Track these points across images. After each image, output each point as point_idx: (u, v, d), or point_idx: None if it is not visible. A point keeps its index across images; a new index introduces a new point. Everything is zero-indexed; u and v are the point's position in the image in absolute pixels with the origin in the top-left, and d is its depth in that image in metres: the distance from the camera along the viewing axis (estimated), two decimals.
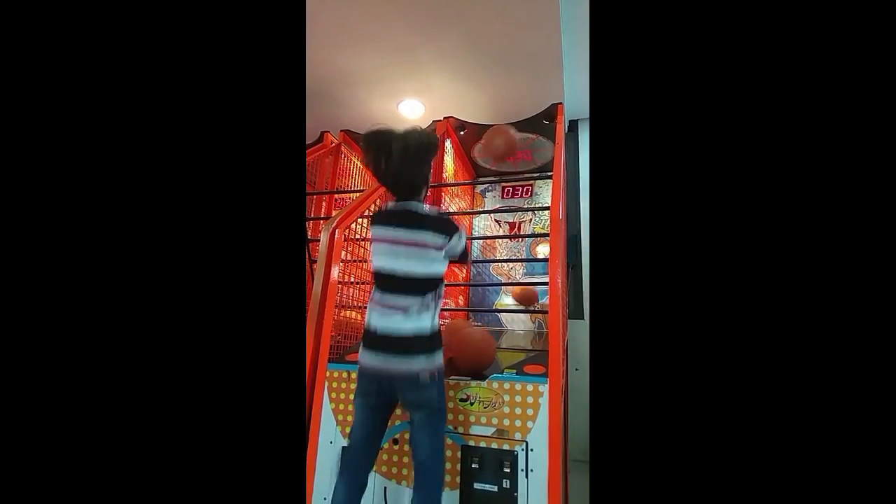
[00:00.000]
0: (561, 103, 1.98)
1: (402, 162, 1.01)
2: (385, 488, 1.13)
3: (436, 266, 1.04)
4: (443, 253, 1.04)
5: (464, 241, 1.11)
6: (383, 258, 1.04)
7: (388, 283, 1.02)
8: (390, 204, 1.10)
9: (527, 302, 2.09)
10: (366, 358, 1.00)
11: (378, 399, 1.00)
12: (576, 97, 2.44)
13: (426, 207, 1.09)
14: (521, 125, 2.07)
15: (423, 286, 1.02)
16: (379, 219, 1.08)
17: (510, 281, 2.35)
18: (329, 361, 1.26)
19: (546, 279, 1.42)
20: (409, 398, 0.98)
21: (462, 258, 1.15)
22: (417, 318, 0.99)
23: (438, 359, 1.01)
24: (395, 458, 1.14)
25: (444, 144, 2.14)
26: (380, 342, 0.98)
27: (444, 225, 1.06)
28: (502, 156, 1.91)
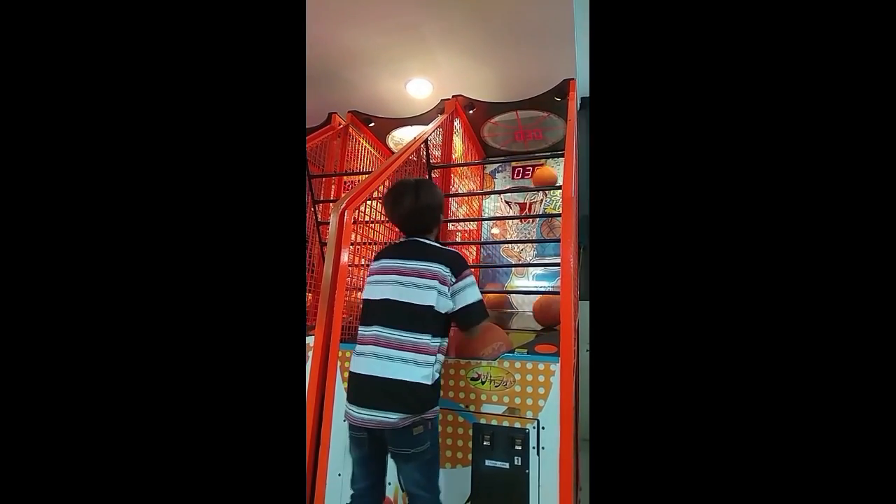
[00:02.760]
0: (573, 79, 1.92)
1: (415, 205, 1.05)
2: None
3: (440, 301, 0.96)
4: (448, 290, 0.97)
5: (475, 292, 1.01)
6: (384, 288, 0.98)
7: (384, 315, 0.95)
8: (398, 240, 1.11)
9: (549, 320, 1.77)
10: (353, 413, 0.91)
11: (371, 448, 0.95)
12: (588, 73, 2.37)
13: (435, 242, 1.08)
14: (532, 103, 2.02)
15: (424, 322, 0.94)
16: (384, 252, 1.07)
17: (521, 262, 2.33)
18: (341, 342, 1.27)
19: (557, 260, 1.41)
20: (399, 452, 0.93)
21: (471, 317, 1.00)
22: (417, 368, 0.90)
23: (435, 409, 0.94)
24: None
25: (452, 124, 2.10)
26: (370, 392, 0.90)
27: (453, 259, 1.01)
28: None
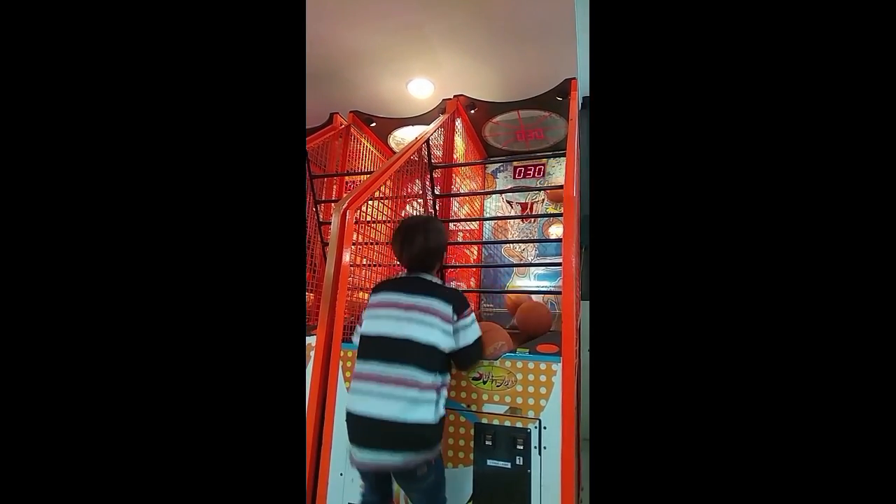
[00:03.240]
0: (574, 78, 1.92)
1: (423, 246, 1.06)
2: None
3: (442, 338, 0.95)
4: (451, 327, 0.97)
5: (476, 331, 1.02)
6: (384, 322, 0.97)
7: (385, 350, 0.93)
8: (399, 274, 1.12)
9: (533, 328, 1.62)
10: (357, 456, 0.89)
11: (375, 477, 0.95)
12: (590, 72, 2.36)
13: (436, 279, 1.08)
14: (533, 102, 2.02)
15: (427, 358, 0.92)
16: (384, 286, 1.07)
17: (522, 262, 2.33)
18: (343, 341, 1.28)
19: (559, 260, 1.41)
20: (405, 486, 0.94)
21: (470, 357, 1.01)
22: (420, 407, 0.88)
23: (438, 448, 0.93)
24: None
25: (454, 124, 2.10)
26: (372, 433, 0.87)
27: (454, 296, 1.01)
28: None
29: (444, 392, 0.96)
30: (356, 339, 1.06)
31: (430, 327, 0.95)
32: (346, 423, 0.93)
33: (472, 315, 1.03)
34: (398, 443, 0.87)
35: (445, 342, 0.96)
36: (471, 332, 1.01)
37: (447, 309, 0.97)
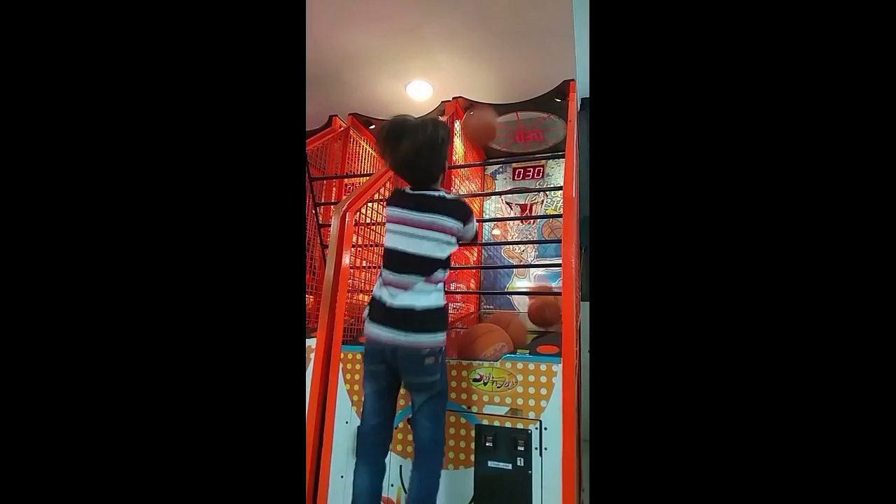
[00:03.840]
0: (573, 80, 1.93)
1: (419, 153, 1.02)
2: (401, 466, 1.16)
3: (449, 249, 1.06)
4: (456, 238, 1.07)
5: (475, 224, 1.13)
6: (399, 239, 1.05)
7: (402, 263, 1.03)
8: (408, 188, 1.10)
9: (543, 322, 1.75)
10: (373, 330, 1.01)
11: (385, 381, 1.02)
12: (588, 74, 2.37)
13: (443, 192, 1.10)
14: (532, 104, 2.02)
15: (436, 267, 1.04)
16: (396, 200, 1.09)
17: (522, 263, 2.33)
18: (343, 344, 1.28)
19: (558, 261, 1.41)
20: (412, 381, 1.00)
21: (472, 241, 1.19)
22: (428, 295, 1.01)
23: (442, 338, 1.02)
24: (410, 438, 1.16)
25: (453, 126, 2.11)
26: (389, 316, 1.00)
27: (462, 210, 1.08)
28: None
29: (442, 284, 1.07)
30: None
31: (441, 244, 1.04)
32: (371, 308, 1.04)
33: (474, 219, 1.11)
34: (411, 323, 0.98)
35: (453, 249, 1.08)
36: (472, 229, 1.12)
37: (456, 224, 1.06)
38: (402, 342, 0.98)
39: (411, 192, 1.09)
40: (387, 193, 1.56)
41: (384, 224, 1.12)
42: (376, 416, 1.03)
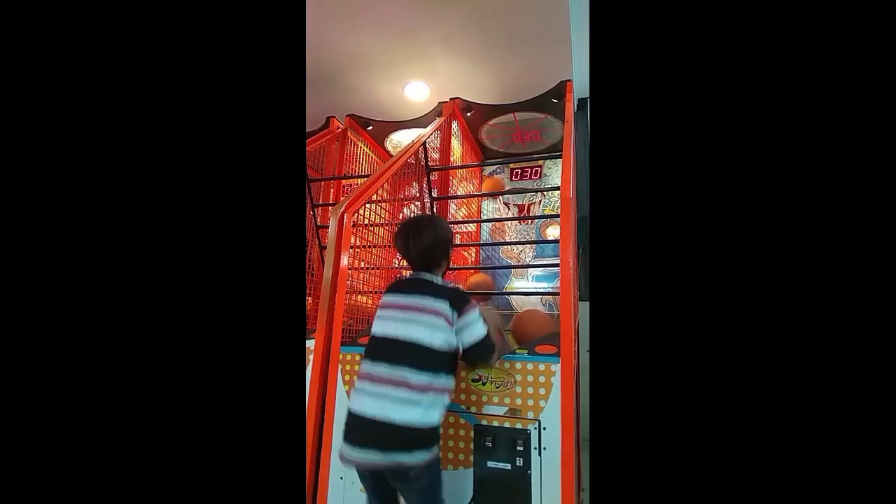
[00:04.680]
0: (569, 80, 1.93)
1: (426, 242, 1.06)
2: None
3: (442, 338, 0.94)
4: (452, 327, 0.96)
5: (481, 327, 0.99)
6: (385, 324, 0.98)
7: (387, 351, 0.93)
8: (407, 274, 1.12)
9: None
10: (346, 451, 0.88)
11: (374, 483, 0.94)
12: (585, 74, 2.38)
13: (440, 279, 1.08)
14: (529, 104, 2.03)
15: (427, 360, 0.92)
16: (391, 287, 1.08)
17: (520, 264, 2.34)
18: (342, 345, 1.28)
19: (557, 261, 1.41)
20: (400, 487, 0.92)
21: (480, 354, 0.99)
22: (417, 405, 0.88)
23: (435, 453, 0.90)
24: None
25: (450, 126, 2.11)
26: (365, 433, 0.87)
27: (457, 297, 0.99)
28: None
29: (444, 396, 0.94)
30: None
31: (430, 328, 0.94)
32: (345, 421, 0.93)
33: (475, 311, 1.00)
34: (386, 442, 0.86)
35: (446, 342, 0.95)
36: (476, 328, 0.98)
37: (446, 308, 0.96)
38: (376, 463, 0.86)
39: (410, 277, 1.09)
40: (385, 194, 1.57)
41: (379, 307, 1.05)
42: (376, 500, 0.97)
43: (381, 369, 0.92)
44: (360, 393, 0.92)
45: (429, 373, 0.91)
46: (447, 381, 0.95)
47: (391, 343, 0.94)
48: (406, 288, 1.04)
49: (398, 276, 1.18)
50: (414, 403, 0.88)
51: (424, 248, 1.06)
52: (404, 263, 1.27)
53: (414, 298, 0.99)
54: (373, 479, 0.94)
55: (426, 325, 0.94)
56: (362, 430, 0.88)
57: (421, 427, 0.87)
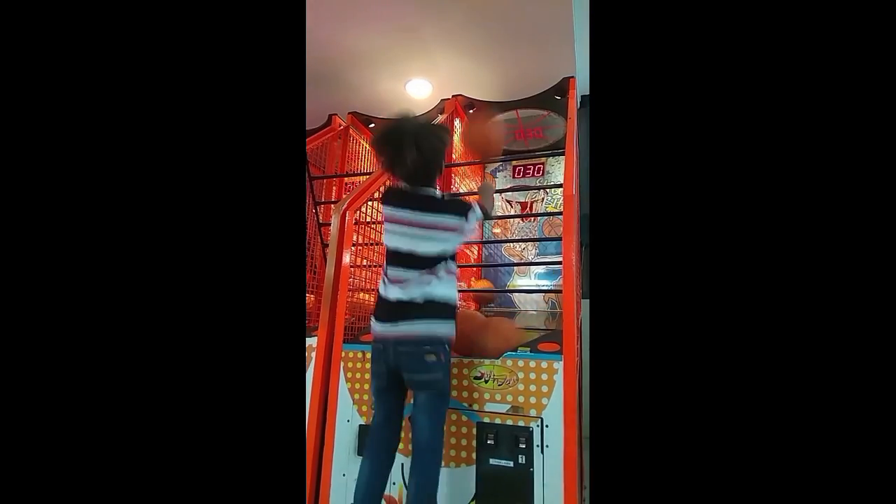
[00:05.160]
0: (572, 77, 1.92)
1: (420, 155, 1.01)
2: (402, 465, 1.16)
3: (451, 244, 1.07)
4: (458, 233, 1.07)
5: (478, 210, 1.11)
6: (402, 239, 1.05)
7: (405, 261, 1.04)
8: (403, 185, 1.09)
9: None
10: (375, 327, 1.03)
11: (389, 380, 1.02)
12: (588, 71, 2.37)
13: (439, 192, 1.12)
14: (532, 101, 2.02)
15: (438, 261, 1.04)
16: (394, 199, 1.09)
17: (523, 261, 2.33)
18: (344, 342, 1.28)
19: (559, 258, 1.41)
20: (413, 378, 1.00)
21: (486, 216, 1.15)
22: (430, 286, 1.02)
23: (444, 331, 1.02)
24: (410, 436, 1.16)
25: (453, 124, 2.10)
26: (390, 310, 1.01)
27: (459, 206, 1.09)
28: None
29: (454, 273, 1.08)
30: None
31: (446, 241, 1.05)
32: (375, 306, 1.06)
33: (473, 206, 1.09)
34: (417, 313, 0.99)
35: (456, 244, 1.08)
36: (472, 221, 1.08)
37: (455, 220, 1.05)
38: (400, 334, 0.98)
39: (409, 191, 1.08)
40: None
41: (383, 223, 1.13)
42: (380, 411, 1.05)
43: (408, 273, 1.03)
44: (390, 286, 1.04)
45: (445, 261, 1.04)
46: (452, 262, 1.08)
47: (410, 257, 1.03)
48: (412, 204, 1.06)
49: (394, 184, 1.16)
50: (435, 284, 1.02)
51: (412, 169, 1.03)
52: None
53: (424, 216, 1.04)
54: (388, 376, 1.01)
55: (441, 241, 1.04)
56: (392, 309, 1.00)
57: (433, 299, 1.01)
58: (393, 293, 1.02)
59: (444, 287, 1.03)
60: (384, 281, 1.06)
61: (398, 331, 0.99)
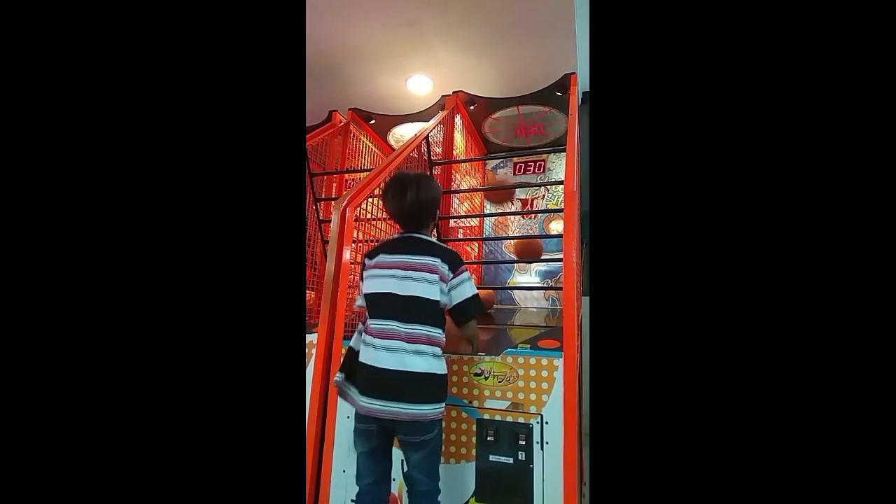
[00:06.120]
0: (574, 73, 1.91)
1: (415, 196, 1.05)
2: (402, 461, 1.16)
3: (440, 296, 0.99)
4: (446, 285, 1.00)
5: (472, 287, 1.03)
6: (386, 282, 1.00)
7: (393, 308, 0.97)
8: (394, 235, 1.11)
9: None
10: (363, 402, 0.92)
11: (379, 440, 0.97)
12: (589, 67, 2.35)
13: (432, 239, 1.09)
14: (533, 98, 2.01)
15: (430, 313, 0.97)
16: (379, 249, 1.07)
17: (521, 261, 2.33)
18: (344, 339, 1.28)
19: (560, 255, 1.41)
20: (408, 440, 0.95)
21: (468, 312, 1.02)
22: (424, 358, 0.93)
23: (443, 406, 0.96)
24: None
25: (453, 120, 2.10)
26: (382, 384, 0.91)
27: (449, 255, 1.03)
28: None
29: (441, 355, 1.00)
30: (359, 302, 1.08)
31: (431, 284, 0.99)
32: (357, 375, 0.97)
33: (467, 272, 1.04)
34: (410, 394, 0.91)
35: (443, 299, 1.00)
36: (467, 287, 1.03)
37: (443, 267, 1.00)
38: (403, 415, 0.90)
39: (400, 236, 1.09)
40: (385, 183, 1.55)
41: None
42: (371, 475, 0.99)
43: (393, 325, 0.95)
44: (375, 348, 0.95)
45: (437, 327, 0.97)
46: (443, 335, 1.00)
47: (396, 300, 0.98)
48: (401, 247, 1.05)
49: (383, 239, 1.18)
50: (428, 355, 0.94)
51: (414, 206, 1.06)
52: None
53: (411, 257, 1.01)
54: (380, 435, 0.96)
55: (426, 282, 0.98)
56: (386, 383, 0.92)
57: (440, 375, 0.94)
58: (379, 358, 0.93)
59: (441, 363, 0.97)
60: (364, 340, 0.98)
61: (391, 412, 0.90)
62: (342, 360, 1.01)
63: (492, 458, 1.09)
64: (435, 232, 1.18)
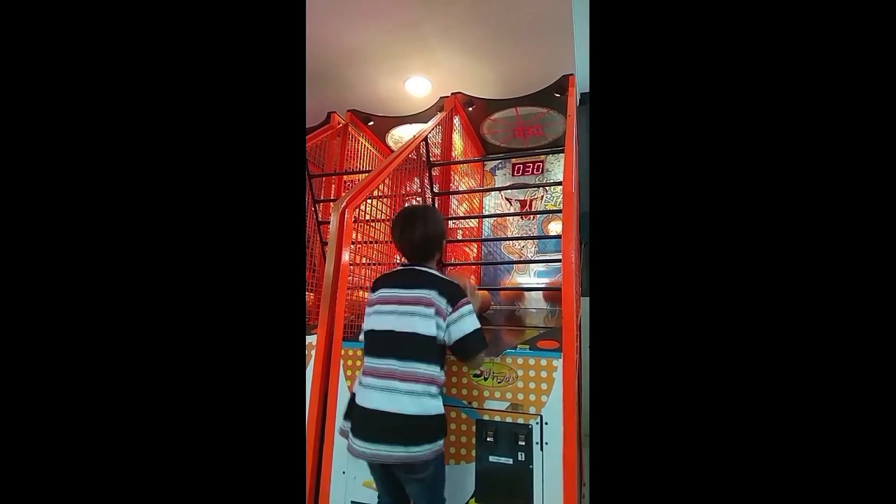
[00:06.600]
0: (572, 75, 1.92)
1: (423, 228, 1.06)
2: None
3: (434, 326, 0.95)
4: (444, 321, 0.96)
5: (474, 321, 0.99)
6: (382, 318, 0.99)
7: (392, 346, 0.94)
8: (398, 266, 1.11)
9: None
10: (357, 446, 0.90)
11: (382, 473, 0.97)
12: (588, 68, 2.36)
13: (435, 270, 1.07)
14: (531, 99, 2.02)
15: (426, 350, 0.94)
16: (385, 281, 1.07)
17: (522, 259, 2.33)
18: (343, 340, 1.28)
19: (559, 256, 1.41)
20: (406, 478, 0.94)
21: (470, 348, 0.97)
22: (420, 399, 0.90)
23: (441, 444, 0.93)
24: None
25: (452, 121, 2.10)
26: (374, 426, 0.89)
27: (449, 288, 0.99)
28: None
29: (441, 387, 0.98)
30: (362, 337, 1.07)
31: (428, 319, 0.95)
32: (352, 417, 0.95)
33: (469, 306, 1.00)
34: (399, 436, 0.88)
35: (440, 335, 0.96)
36: (468, 322, 0.98)
37: (440, 299, 0.97)
38: (393, 458, 0.87)
39: (402, 268, 1.09)
40: (386, 190, 1.56)
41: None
42: (387, 496, 1.01)
43: (389, 364, 0.93)
44: (368, 389, 0.93)
45: (434, 364, 0.94)
46: (442, 373, 0.98)
47: (395, 337, 0.95)
48: (402, 280, 1.04)
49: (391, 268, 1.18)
50: (424, 395, 0.91)
51: (418, 240, 1.06)
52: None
53: (411, 291, 1.00)
54: (382, 470, 0.96)
55: (424, 316, 0.95)
56: (375, 425, 0.89)
57: (433, 416, 0.91)
58: (378, 400, 0.89)
59: (438, 404, 0.93)
60: (360, 381, 0.96)
61: (381, 455, 0.87)
62: (346, 406, 1.00)
63: (491, 458, 1.09)
64: (439, 258, 1.17)
